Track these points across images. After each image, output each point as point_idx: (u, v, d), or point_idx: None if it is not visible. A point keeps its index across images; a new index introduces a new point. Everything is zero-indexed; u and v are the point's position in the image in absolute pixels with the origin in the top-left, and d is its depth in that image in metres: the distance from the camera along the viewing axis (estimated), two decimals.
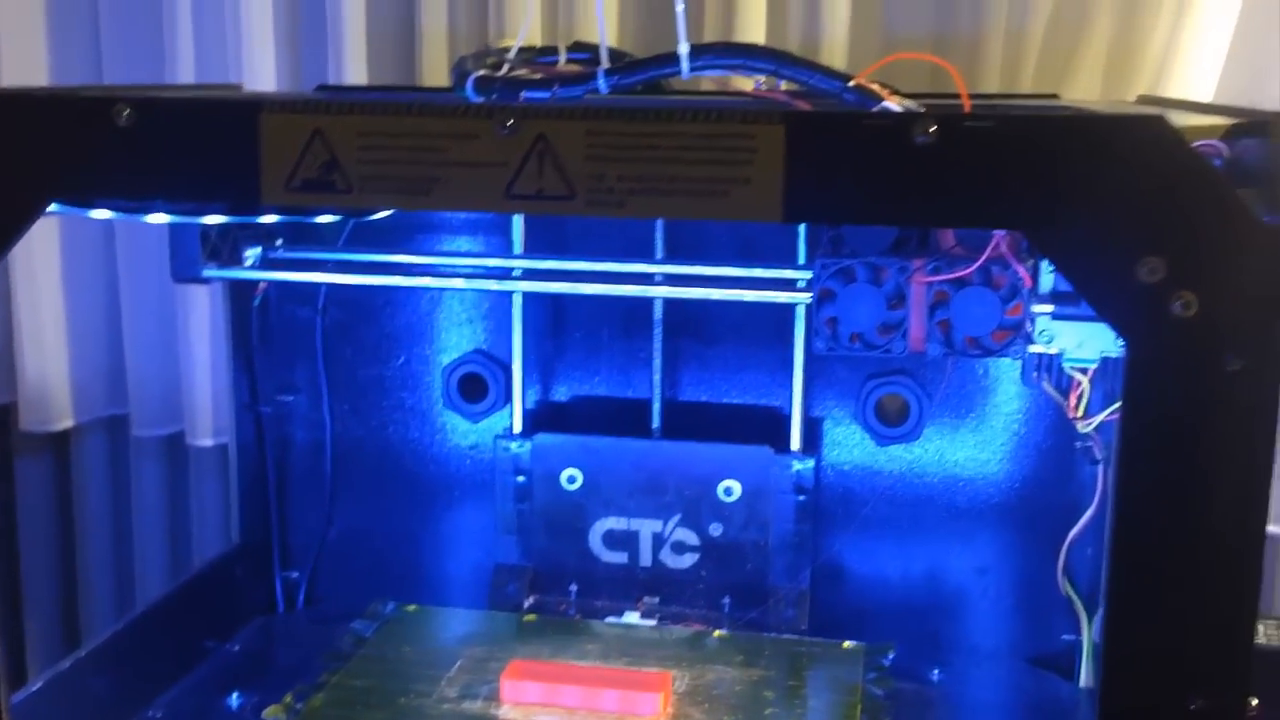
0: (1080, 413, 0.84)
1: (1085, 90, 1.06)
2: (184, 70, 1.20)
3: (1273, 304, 0.54)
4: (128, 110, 0.60)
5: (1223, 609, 0.58)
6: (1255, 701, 0.59)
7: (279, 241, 0.95)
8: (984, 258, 0.75)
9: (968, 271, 0.76)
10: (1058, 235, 0.55)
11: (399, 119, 0.59)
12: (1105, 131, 0.54)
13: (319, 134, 0.59)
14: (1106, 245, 0.55)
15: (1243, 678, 0.58)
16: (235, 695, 0.90)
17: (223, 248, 0.90)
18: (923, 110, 0.68)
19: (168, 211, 0.69)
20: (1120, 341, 0.56)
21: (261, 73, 1.16)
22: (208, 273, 0.90)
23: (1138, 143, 0.54)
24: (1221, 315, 0.54)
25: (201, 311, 1.25)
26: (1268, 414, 0.56)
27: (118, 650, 0.89)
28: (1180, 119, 0.68)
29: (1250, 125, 0.60)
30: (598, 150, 0.58)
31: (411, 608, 0.99)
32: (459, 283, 0.98)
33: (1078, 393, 0.82)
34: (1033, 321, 0.78)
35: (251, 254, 0.93)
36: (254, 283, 1.00)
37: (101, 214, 0.65)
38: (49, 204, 0.63)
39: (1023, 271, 0.75)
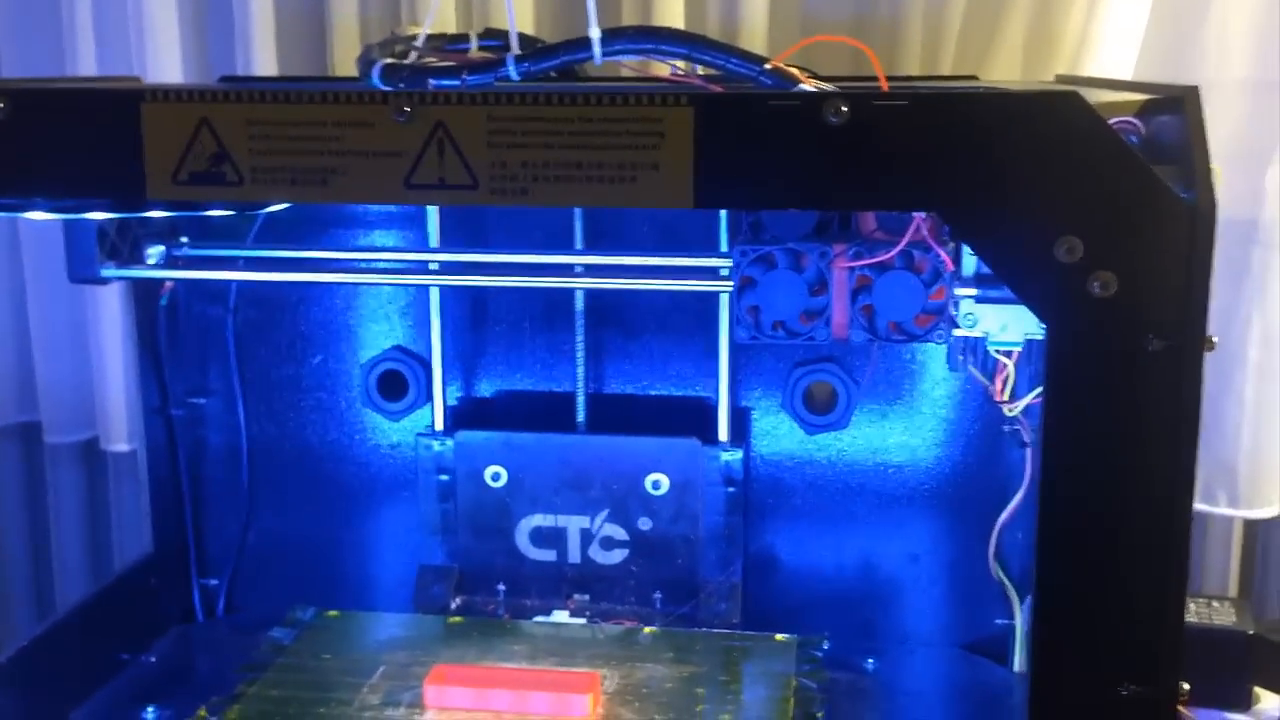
0: (1006, 396, 0.83)
1: (1005, 72, 1.05)
2: (84, 64, 1.16)
3: (1192, 281, 0.53)
4: (3, 103, 0.57)
5: (1152, 592, 0.57)
6: (1187, 686, 0.59)
7: (184, 238, 0.92)
8: (905, 241, 0.74)
9: (889, 256, 0.75)
10: (974, 216, 0.54)
11: (291, 107, 0.57)
12: (1021, 109, 0.53)
13: (206, 123, 0.56)
14: (1023, 225, 0.54)
15: (1174, 662, 0.58)
16: (151, 709, 0.86)
17: (123, 246, 0.86)
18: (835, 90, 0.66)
19: (49, 209, 0.65)
20: (1041, 324, 0.55)
21: (166, 66, 1.13)
22: (106, 272, 0.86)
23: (1053, 120, 0.53)
24: (1141, 294, 0.53)
25: (112, 312, 1.21)
26: (1190, 392, 0.55)
27: (29, 665, 0.86)
28: (1097, 96, 0.67)
29: (1165, 101, 0.59)
30: (500, 137, 0.56)
31: (332, 613, 0.96)
32: (374, 278, 0.95)
33: (1003, 376, 0.81)
34: (956, 305, 0.77)
35: (154, 252, 0.89)
36: (159, 282, 0.96)
37: None
38: None
39: (944, 255, 0.74)
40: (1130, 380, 0.54)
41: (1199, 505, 1.14)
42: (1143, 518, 0.56)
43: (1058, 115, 0.52)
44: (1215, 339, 0.56)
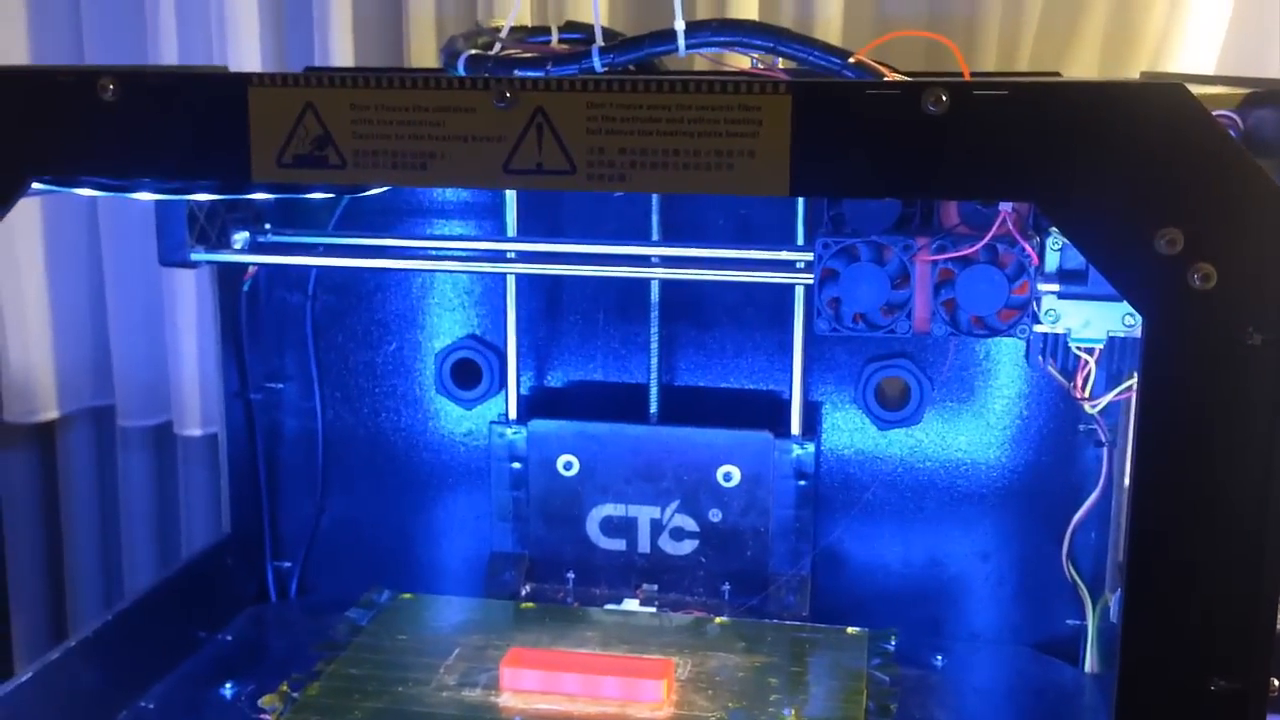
0: (1086, 394, 0.82)
1: (1084, 69, 1.05)
2: (167, 55, 1.18)
3: None
4: (113, 85, 0.58)
5: (1243, 589, 0.57)
6: (1278, 683, 0.58)
7: (267, 225, 0.93)
8: (990, 235, 0.74)
9: (973, 250, 0.75)
10: (1072, 207, 0.54)
11: (393, 92, 0.57)
12: (1123, 100, 0.53)
13: (310, 108, 0.57)
14: (1123, 217, 0.53)
15: (1264, 658, 0.57)
16: (229, 685, 0.88)
17: (210, 231, 0.88)
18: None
19: (155, 190, 0.67)
20: (1131, 319, 0.54)
21: (246, 57, 1.14)
22: (195, 256, 0.88)
23: (1156, 111, 0.52)
24: (1241, 288, 0.53)
25: (188, 299, 1.23)
26: None
27: (107, 641, 0.87)
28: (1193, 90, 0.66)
29: (1265, 95, 0.58)
30: (598, 123, 0.57)
31: (407, 596, 0.98)
32: (451, 265, 0.96)
33: (1084, 373, 0.81)
34: (1039, 301, 0.77)
35: (240, 238, 0.91)
36: (242, 268, 0.98)
37: (87, 192, 0.63)
38: (31, 182, 0.61)
39: (1029, 249, 0.74)
40: (1229, 374, 0.54)
41: None
42: (1236, 513, 0.55)
43: (1161, 106, 0.52)
44: None
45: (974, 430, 0.97)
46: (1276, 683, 0.58)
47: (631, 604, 0.97)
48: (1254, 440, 0.55)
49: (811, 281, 0.80)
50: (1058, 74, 0.99)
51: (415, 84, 0.57)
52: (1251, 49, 1.05)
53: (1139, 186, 0.53)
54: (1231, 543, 0.56)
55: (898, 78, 0.73)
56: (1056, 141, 0.53)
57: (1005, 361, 0.96)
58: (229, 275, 0.99)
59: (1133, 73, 1.02)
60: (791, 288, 0.94)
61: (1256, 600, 0.56)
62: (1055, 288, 0.77)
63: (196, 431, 1.28)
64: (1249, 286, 0.53)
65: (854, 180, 0.56)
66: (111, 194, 0.64)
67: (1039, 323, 0.78)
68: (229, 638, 0.97)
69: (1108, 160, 0.53)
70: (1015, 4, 1.05)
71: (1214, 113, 0.59)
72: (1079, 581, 0.94)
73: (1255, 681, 0.56)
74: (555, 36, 0.93)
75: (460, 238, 1.00)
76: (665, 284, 0.97)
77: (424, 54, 1.15)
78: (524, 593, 0.99)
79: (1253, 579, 0.56)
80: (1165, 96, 0.52)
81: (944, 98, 0.54)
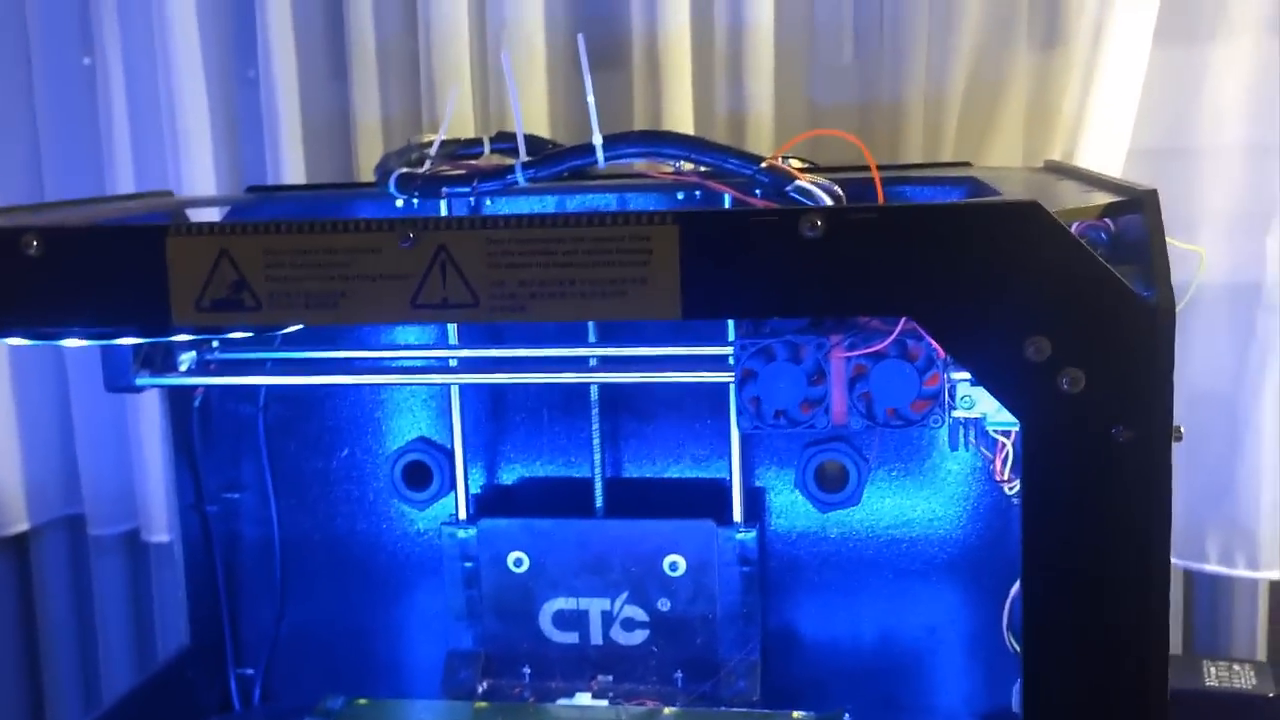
0: (1007, 474, 0.85)
1: (1005, 152, 1.09)
2: (122, 173, 1.21)
3: (1155, 375, 0.56)
4: (36, 240, 0.61)
5: (1136, 671, 0.59)
6: None
7: (215, 343, 0.96)
8: (896, 331, 0.77)
9: (883, 345, 0.77)
10: (946, 320, 0.57)
11: (303, 236, 0.60)
12: (985, 219, 0.56)
13: (225, 254, 0.60)
14: (992, 328, 0.56)
15: None
16: None
17: (156, 355, 0.91)
18: (825, 190, 0.70)
19: (83, 337, 0.70)
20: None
21: (199, 174, 1.18)
22: (140, 381, 0.91)
23: (1017, 228, 0.56)
24: (1108, 389, 0.56)
25: (151, 408, 1.25)
26: (1161, 481, 0.57)
27: None
28: (1072, 192, 0.70)
29: (1130, 203, 0.62)
30: (498, 258, 0.60)
31: (362, 701, 0.99)
32: (396, 379, 0.99)
33: (1002, 455, 0.84)
34: (953, 388, 0.79)
35: (186, 358, 0.94)
36: (192, 385, 1.01)
37: (15, 341, 0.66)
38: None
39: (935, 344, 0.77)
40: (1102, 470, 0.56)
41: (1218, 568, 1.15)
42: (1122, 598, 0.58)
43: (1021, 224, 0.55)
44: (1183, 429, 0.58)
45: (915, 507, 1.00)
46: None
47: (585, 697, 0.99)
48: (1132, 528, 0.57)
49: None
50: (969, 164, 1.02)
51: (324, 228, 0.61)
52: (1166, 120, 1.09)
53: (1005, 299, 0.56)
54: (1120, 627, 0.59)
55: (808, 179, 0.77)
56: (926, 260, 0.56)
57: (940, 439, 0.98)
58: (179, 392, 1.01)
59: (1049, 153, 1.06)
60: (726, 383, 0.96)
61: (1148, 683, 0.59)
62: (967, 375, 0.80)
63: (164, 537, 1.30)
64: (1116, 387, 0.56)
65: (741, 302, 0.59)
66: (39, 343, 0.67)
67: (955, 408, 0.81)
68: None
69: (974, 276, 0.56)
70: (936, 92, 1.09)
71: (1084, 224, 0.63)
72: (1020, 652, 0.95)
73: None
74: (488, 148, 0.96)
75: (405, 345, 1.02)
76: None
77: (372, 161, 1.18)
78: (481, 690, 1.00)
79: (1144, 662, 0.59)
80: (1023, 214, 0.55)
81: (819, 222, 0.57)
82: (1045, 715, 0.59)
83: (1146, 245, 0.57)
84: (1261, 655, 1.19)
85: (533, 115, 1.14)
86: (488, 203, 0.96)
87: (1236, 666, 1.01)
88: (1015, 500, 0.94)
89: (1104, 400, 0.56)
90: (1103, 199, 0.63)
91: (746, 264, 0.58)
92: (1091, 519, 0.57)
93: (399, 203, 0.90)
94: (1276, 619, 1.20)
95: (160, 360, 0.92)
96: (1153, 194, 0.59)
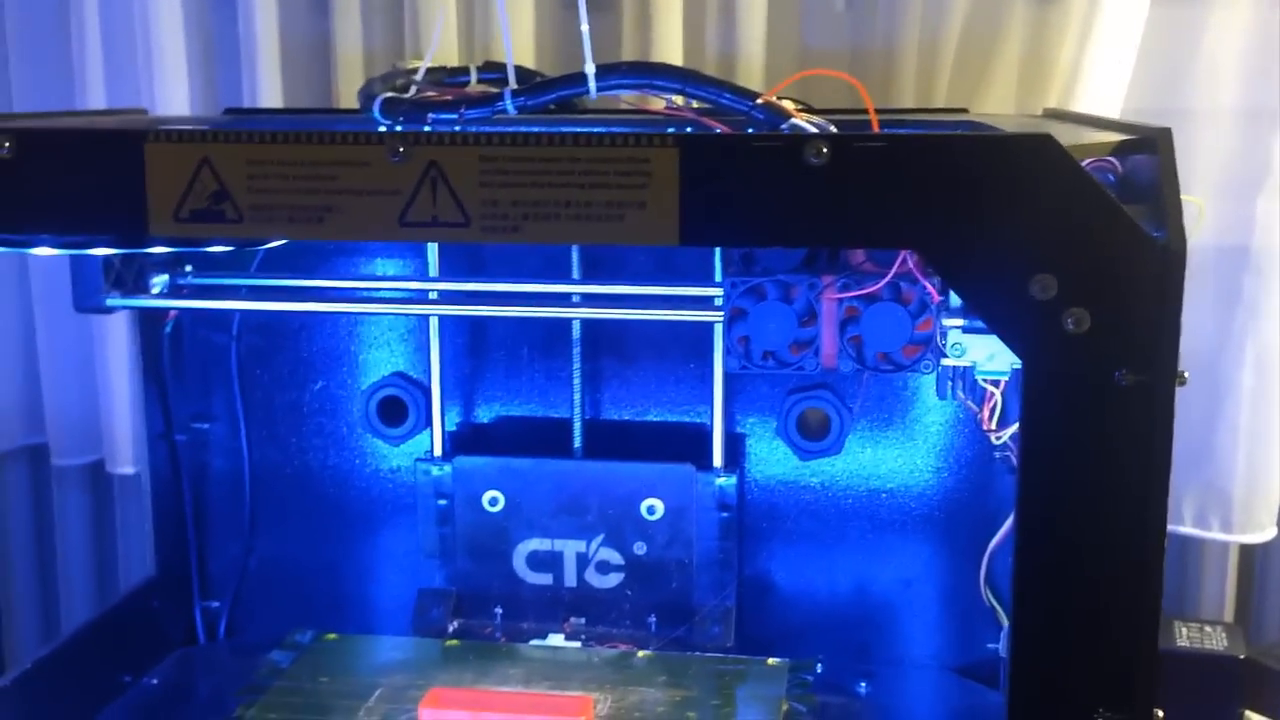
0: (994, 424, 0.84)
1: (999, 103, 1.07)
2: (94, 94, 1.18)
3: (1162, 318, 0.54)
4: (9, 142, 0.58)
5: (1126, 620, 0.58)
6: (1160, 713, 0.60)
7: (188, 267, 0.93)
8: (891, 274, 0.75)
9: (876, 288, 0.76)
10: (951, 254, 0.55)
11: (288, 147, 0.58)
12: (997, 151, 0.55)
13: (206, 162, 0.58)
14: (999, 263, 0.55)
15: (1147, 689, 0.59)
16: None
17: (127, 275, 0.88)
18: (820, 130, 0.68)
19: (54, 245, 0.67)
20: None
21: (174, 96, 1.14)
22: (111, 302, 0.88)
23: (1028, 162, 0.54)
24: (1113, 330, 0.55)
25: (119, 337, 1.23)
26: (1162, 425, 0.56)
27: (31, 686, 0.87)
28: (1078, 135, 0.68)
29: (1140, 141, 0.60)
30: (491, 176, 0.58)
31: (331, 636, 0.98)
32: (373, 307, 0.96)
33: (990, 404, 0.83)
34: (944, 335, 0.78)
35: (159, 281, 0.91)
36: (164, 310, 0.98)
37: None
38: None
39: (930, 287, 0.75)
40: (1103, 414, 0.55)
41: (1193, 530, 1.15)
42: (1116, 547, 0.57)
43: (1033, 157, 0.54)
44: (1187, 374, 0.57)
45: (895, 459, 0.99)
46: (1160, 714, 0.59)
47: (557, 639, 0.98)
48: (1130, 475, 0.56)
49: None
50: (965, 110, 1.01)
51: (310, 138, 0.58)
52: (1160, 81, 1.07)
53: (1012, 235, 0.54)
54: (1113, 578, 0.58)
55: (804, 118, 0.75)
56: (932, 192, 0.55)
57: (924, 391, 0.98)
58: (151, 317, 0.99)
59: (1042, 106, 1.04)
60: (711, 323, 0.95)
61: (1139, 633, 0.58)
62: (960, 322, 0.78)
63: (129, 469, 1.27)
64: (1120, 329, 0.55)
65: (741, 230, 0.58)
66: (9, 249, 0.64)
67: (945, 356, 0.80)
68: (154, 681, 0.97)
69: (981, 210, 0.54)
70: (931, 39, 1.07)
71: (1092, 160, 0.61)
72: (997, 606, 0.95)
73: (1139, 713, 0.58)
74: (474, 77, 0.94)
75: (384, 277, 1.00)
76: (588, 319, 0.98)
77: (352, 90, 1.14)
78: (451, 629, 0.99)
79: (1134, 611, 0.58)
80: (1037, 148, 0.54)
81: (825, 149, 0.55)
82: (1035, 659, 0.58)
83: (1157, 185, 0.56)
84: (1229, 617, 1.19)
85: (519, 52, 1.11)
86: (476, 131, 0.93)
87: (1208, 628, 1.01)
88: (998, 453, 0.94)
89: (1108, 342, 0.55)
90: (1113, 138, 0.62)
91: (748, 190, 0.56)
92: (1090, 463, 0.56)
93: (383, 128, 0.87)
94: (1244, 581, 1.21)
95: (132, 282, 0.89)
96: (1166, 133, 0.58)
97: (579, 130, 0.58)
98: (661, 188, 0.57)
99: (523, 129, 0.57)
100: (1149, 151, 0.59)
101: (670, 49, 1.10)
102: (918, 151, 0.55)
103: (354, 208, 0.58)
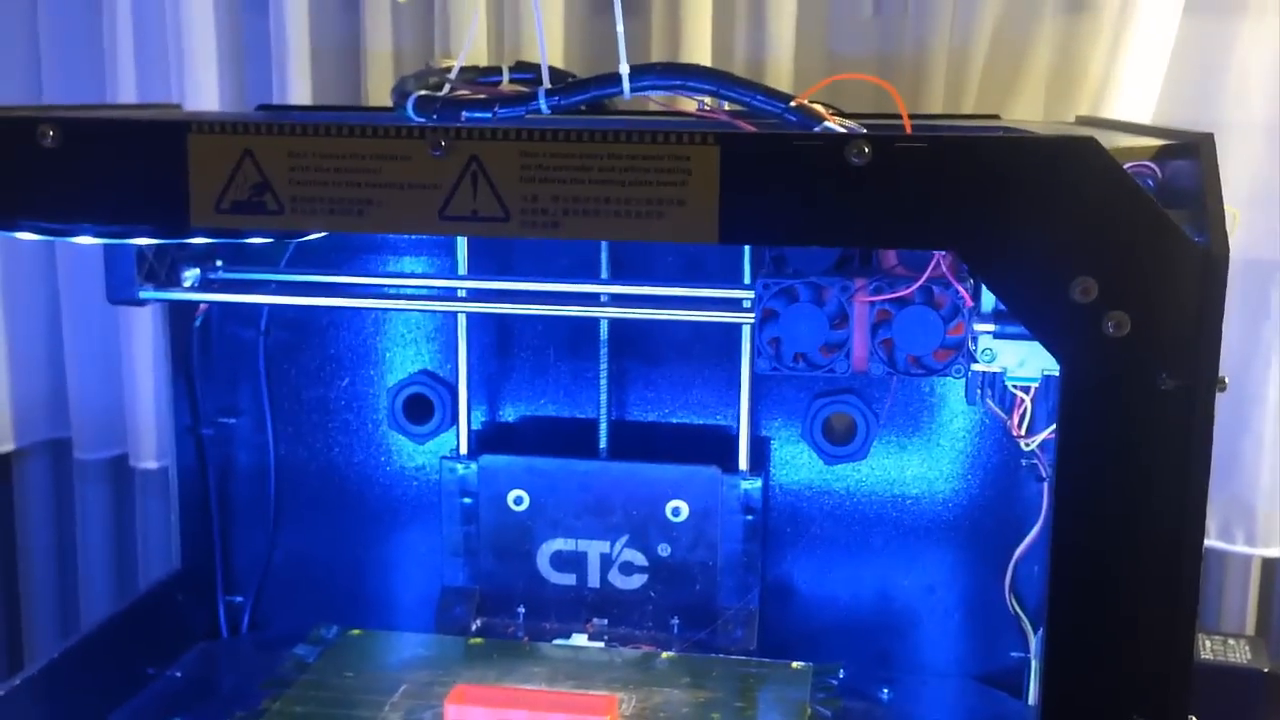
0: (1024, 430, 0.84)
1: (1028, 111, 1.07)
2: (125, 90, 1.19)
3: (1204, 323, 0.54)
4: (53, 131, 0.59)
5: (1161, 627, 0.58)
6: (1193, 719, 0.60)
7: (219, 262, 0.94)
8: (924, 277, 0.75)
9: (909, 291, 0.76)
10: (991, 256, 0.55)
11: (330, 139, 0.58)
12: (1039, 153, 0.55)
13: (249, 154, 0.58)
14: (1039, 266, 0.55)
15: (1181, 695, 0.59)
16: None
17: (160, 268, 0.89)
18: (860, 130, 0.68)
19: (95, 234, 0.67)
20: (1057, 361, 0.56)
21: (204, 93, 1.15)
22: (144, 294, 0.88)
23: (1070, 164, 0.54)
24: (1153, 335, 0.55)
25: (144, 332, 1.23)
26: (1202, 431, 0.56)
27: (55, 678, 0.87)
28: (1115, 140, 0.68)
29: (1182, 147, 0.60)
30: (532, 171, 0.58)
31: (355, 632, 0.98)
32: (401, 304, 0.97)
33: (1020, 411, 0.83)
34: (975, 340, 0.78)
35: (190, 275, 0.91)
36: (194, 303, 0.98)
37: (25, 235, 0.64)
38: None
39: (963, 291, 0.75)
40: (1142, 419, 0.55)
41: (1216, 543, 1.14)
42: (1153, 553, 0.57)
43: (1075, 159, 0.54)
44: (1227, 379, 0.57)
45: (920, 465, 0.99)
46: (1192, 719, 0.59)
47: (580, 639, 0.98)
48: (1169, 481, 0.56)
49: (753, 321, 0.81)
50: (997, 116, 1.01)
51: (352, 132, 0.59)
52: (1191, 93, 1.07)
53: (1054, 237, 0.54)
54: (1149, 582, 0.57)
55: (837, 121, 0.75)
56: (974, 193, 0.55)
57: (951, 397, 0.97)
58: (180, 311, 0.99)
59: (1073, 115, 1.04)
60: (739, 325, 0.95)
61: (1173, 639, 0.58)
62: (991, 327, 0.78)
63: (152, 464, 1.28)
64: (1161, 333, 0.55)
65: (780, 229, 0.58)
66: (50, 238, 0.65)
67: (976, 361, 0.80)
68: (178, 674, 0.97)
69: (1023, 212, 0.54)
70: (961, 47, 1.07)
71: (1132, 163, 0.61)
72: (1021, 614, 0.95)
73: (1172, 717, 0.58)
74: (506, 76, 0.94)
75: (412, 274, 1.01)
76: (615, 320, 0.98)
77: (382, 89, 1.16)
78: (475, 628, 0.99)
79: (1169, 618, 0.58)
80: (1079, 150, 0.54)
81: (866, 149, 0.55)
82: (1068, 664, 0.58)
83: (1198, 191, 0.56)
84: (1251, 630, 1.19)
85: (548, 53, 1.11)
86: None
87: (1231, 641, 1.01)
88: (1025, 460, 0.94)
89: (1149, 346, 0.54)
90: (1154, 143, 0.61)
91: (788, 189, 0.56)
92: (1129, 468, 0.56)
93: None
94: (1266, 595, 1.20)
95: (164, 275, 0.90)
96: (1209, 138, 0.58)
97: (620, 126, 0.58)
98: (701, 186, 0.57)
99: (558, 127, 0.57)
100: (1190, 157, 0.58)
101: (699, 52, 1.10)
102: (960, 153, 0.55)
103: (394, 201, 0.59)
